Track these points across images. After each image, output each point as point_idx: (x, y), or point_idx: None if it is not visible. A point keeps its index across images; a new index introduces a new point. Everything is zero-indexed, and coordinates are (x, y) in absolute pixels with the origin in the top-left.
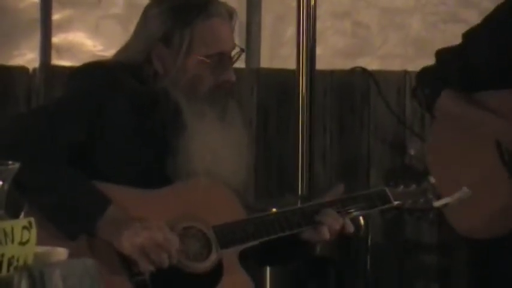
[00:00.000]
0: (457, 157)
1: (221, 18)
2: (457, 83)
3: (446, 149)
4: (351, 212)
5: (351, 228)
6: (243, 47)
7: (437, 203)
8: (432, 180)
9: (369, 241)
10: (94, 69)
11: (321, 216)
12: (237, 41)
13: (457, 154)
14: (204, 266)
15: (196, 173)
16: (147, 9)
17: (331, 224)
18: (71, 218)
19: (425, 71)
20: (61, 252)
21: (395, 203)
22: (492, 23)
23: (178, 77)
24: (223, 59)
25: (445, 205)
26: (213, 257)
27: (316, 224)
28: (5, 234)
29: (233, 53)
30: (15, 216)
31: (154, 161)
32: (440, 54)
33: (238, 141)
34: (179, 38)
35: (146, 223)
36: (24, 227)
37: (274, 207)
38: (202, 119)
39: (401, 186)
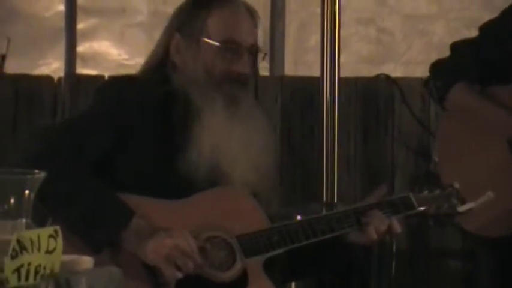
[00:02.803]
0: (466, 153)
1: (238, 10)
2: (470, 77)
3: (456, 143)
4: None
5: (398, 229)
6: (267, 55)
7: (461, 208)
8: (456, 185)
9: (394, 247)
10: (120, 84)
11: (367, 218)
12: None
13: (466, 150)
14: (229, 275)
15: (203, 166)
16: None
17: (377, 225)
18: (95, 230)
19: (439, 63)
20: (87, 261)
21: (420, 208)
22: (509, 17)
23: (193, 67)
24: (237, 49)
25: (470, 210)
26: (238, 266)
27: (362, 226)
28: (32, 242)
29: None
30: (42, 225)
31: (178, 169)
32: (455, 46)
33: (255, 139)
34: (194, 24)
35: (171, 232)
36: (50, 236)
37: (298, 214)
38: (211, 107)
39: (426, 192)
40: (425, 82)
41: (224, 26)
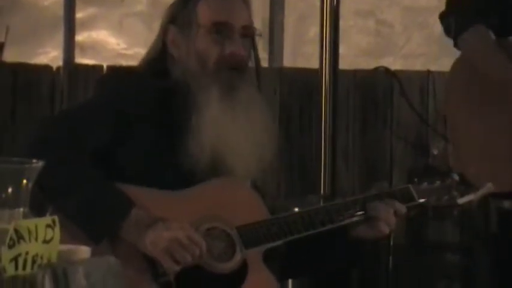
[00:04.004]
0: (474, 102)
1: None
2: (489, 22)
3: (465, 91)
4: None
5: (403, 210)
6: (266, 46)
7: (461, 200)
8: (456, 177)
9: (391, 241)
10: (119, 76)
11: (373, 212)
12: (260, 41)
13: (473, 99)
14: (229, 266)
15: (204, 157)
16: None
17: (386, 217)
18: (94, 220)
19: None
20: (84, 251)
21: (420, 200)
22: None
23: (188, 56)
24: (227, 29)
25: (470, 202)
26: (238, 257)
27: (370, 221)
28: (29, 232)
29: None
30: (40, 214)
31: (179, 161)
32: None
33: (256, 128)
34: (185, 14)
35: (169, 223)
36: (48, 225)
37: (296, 206)
38: (206, 97)
39: (425, 183)
40: (442, 15)
41: (212, 9)
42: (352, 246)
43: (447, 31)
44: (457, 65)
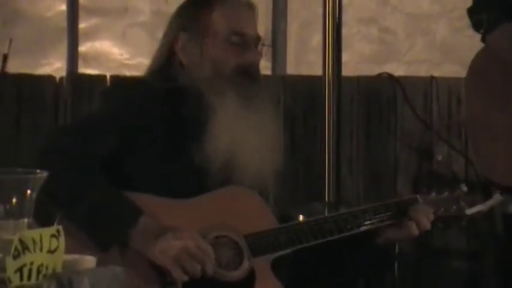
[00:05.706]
0: (495, 98)
1: (240, 4)
2: None
3: (487, 87)
4: (383, 220)
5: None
6: (269, 54)
7: (470, 211)
8: (464, 188)
9: (397, 248)
10: (124, 86)
11: (410, 213)
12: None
13: (494, 95)
14: (237, 274)
15: (218, 159)
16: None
17: (420, 219)
18: (103, 228)
19: None
20: (89, 260)
21: None
22: None
23: (201, 63)
24: (245, 40)
25: (478, 212)
26: (245, 266)
27: (402, 221)
28: (34, 242)
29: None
30: (46, 224)
31: (186, 169)
32: None
33: (268, 135)
34: (198, 22)
35: (178, 233)
36: (52, 235)
37: (301, 214)
38: (223, 101)
39: (433, 194)
40: (470, 10)
41: (228, 20)
42: (380, 249)
43: (477, 27)
44: (479, 57)
